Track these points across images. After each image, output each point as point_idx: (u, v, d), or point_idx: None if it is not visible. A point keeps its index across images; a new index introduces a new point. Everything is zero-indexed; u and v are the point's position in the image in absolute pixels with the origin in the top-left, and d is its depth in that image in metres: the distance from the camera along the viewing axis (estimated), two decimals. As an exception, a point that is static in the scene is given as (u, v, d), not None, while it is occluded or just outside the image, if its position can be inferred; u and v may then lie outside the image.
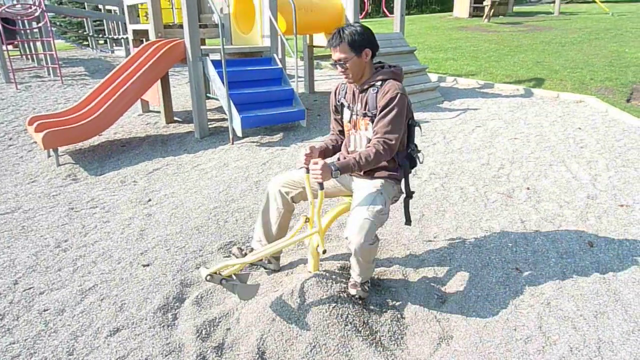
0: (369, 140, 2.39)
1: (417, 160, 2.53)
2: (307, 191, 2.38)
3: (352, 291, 2.45)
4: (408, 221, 2.63)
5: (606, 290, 2.55)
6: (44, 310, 2.46)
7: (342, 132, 2.64)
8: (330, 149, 2.60)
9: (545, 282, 2.65)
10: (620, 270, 2.74)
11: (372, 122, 2.35)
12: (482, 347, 2.17)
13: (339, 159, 2.49)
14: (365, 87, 2.37)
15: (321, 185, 2.22)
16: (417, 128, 2.48)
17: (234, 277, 2.40)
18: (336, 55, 2.29)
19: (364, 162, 2.24)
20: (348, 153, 2.52)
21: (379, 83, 2.33)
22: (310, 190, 2.38)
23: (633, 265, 2.79)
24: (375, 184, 2.39)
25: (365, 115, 2.37)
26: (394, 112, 2.25)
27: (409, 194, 2.58)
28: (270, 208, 2.62)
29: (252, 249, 2.77)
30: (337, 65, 2.31)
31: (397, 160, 2.44)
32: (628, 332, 2.24)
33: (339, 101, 2.54)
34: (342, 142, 2.63)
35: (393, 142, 2.26)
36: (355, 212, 2.26)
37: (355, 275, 2.45)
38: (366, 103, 2.36)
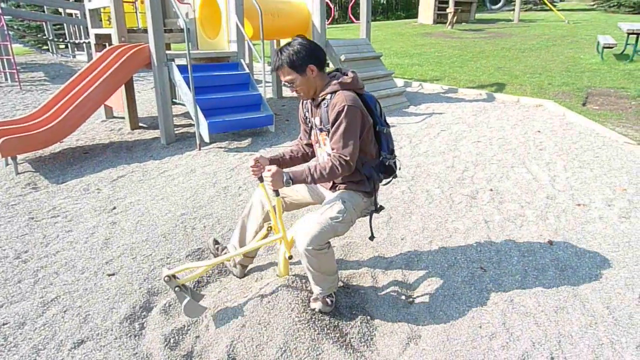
0: (323, 153, 2.38)
1: (394, 168, 2.44)
2: (264, 200, 2.40)
3: (313, 305, 2.36)
4: (372, 236, 2.55)
5: (565, 286, 2.66)
6: (3, 324, 2.37)
7: (309, 144, 2.58)
8: (287, 159, 2.51)
9: (509, 280, 2.73)
10: (578, 267, 2.85)
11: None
12: (449, 345, 2.22)
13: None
14: (318, 101, 2.32)
15: (276, 192, 2.22)
16: (389, 136, 2.41)
17: (189, 290, 2.37)
18: (282, 77, 2.27)
19: (318, 175, 2.19)
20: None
21: (328, 97, 2.26)
22: (268, 198, 2.39)
23: (590, 261, 2.91)
24: (341, 194, 2.35)
25: (321, 130, 2.33)
26: (343, 126, 2.17)
27: (377, 208, 2.49)
28: (251, 216, 2.62)
29: (225, 247, 2.79)
30: (288, 85, 2.29)
31: (363, 172, 2.34)
32: (586, 326, 2.33)
33: (304, 114, 2.50)
34: (306, 152, 2.58)
35: (348, 157, 2.18)
36: (308, 217, 2.26)
37: (313, 287, 2.38)
38: (321, 118, 2.31)
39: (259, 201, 2.59)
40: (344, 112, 2.16)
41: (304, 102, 2.49)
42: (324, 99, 2.29)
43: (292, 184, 2.21)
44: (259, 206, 2.58)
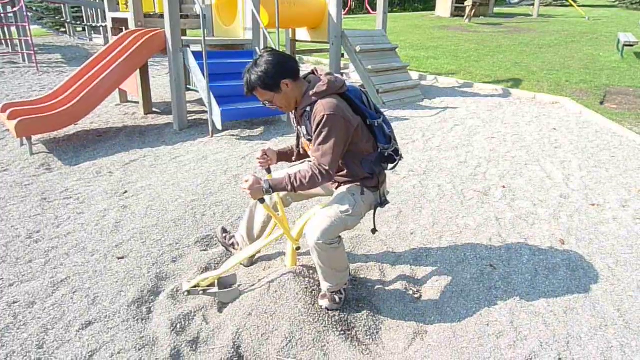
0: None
1: (394, 157, 2.37)
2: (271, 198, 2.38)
3: (320, 302, 2.34)
4: (374, 229, 2.51)
5: (576, 287, 2.62)
6: (13, 303, 2.40)
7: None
8: (295, 152, 2.48)
9: (518, 278, 2.70)
10: (589, 268, 2.81)
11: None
12: (456, 341, 2.21)
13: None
14: (300, 113, 2.25)
15: (261, 199, 2.20)
16: (384, 125, 2.32)
17: (215, 282, 2.43)
18: (259, 98, 2.19)
19: (299, 184, 2.15)
20: None
21: (308, 108, 2.19)
22: (269, 210, 2.33)
23: (602, 263, 2.87)
24: (349, 188, 2.32)
25: (309, 140, 2.28)
26: (322, 135, 2.12)
27: (381, 202, 2.43)
28: (258, 206, 2.62)
29: (232, 237, 2.79)
30: (267, 105, 2.22)
31: (364, 170, 2.30)
32: (595, 328, 2.30)
33: (293, 120, 2.41)
34: None
35: (327, 167, 2.13)
36: (319, 211, 2.25)
37: (322, 282, 2.34)
38: (307, 129, 2.26)
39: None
40: (323, 121, 2.10)
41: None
42: (305, 110, 2.21)
43: (272, 192, 2.18)
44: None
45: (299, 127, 2.34)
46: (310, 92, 2.17)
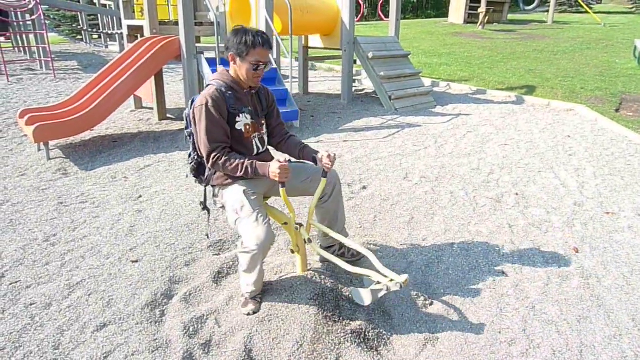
0: (266, 138, 2.58)
1: None
2: (286, 203, 2.42)
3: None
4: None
5: (590, 296, 2.59)
6: (31, 304, 2.45)
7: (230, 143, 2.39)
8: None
9: (531, 286, 2.68)
10: (603, 277, 2.78)
11: (265, 120, 2.56)
12: (467, 349, 2.20)
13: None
14: (256, 90, 2.50)
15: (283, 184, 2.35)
16: None
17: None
18: (266, 58, 2.34)
19: None
20: (256, 157, 2.43)
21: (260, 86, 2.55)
22: (287, 201, 2.41)
23: (616, 271, 2.83)
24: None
25: (263, 116, 2.56)
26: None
27: None
28: (264, 254, 2.30)
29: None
30: (261, 67, 2.33)
31: None
32: (610, 337, 2.27)
33: (234, 109, 2.34)
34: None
35: None
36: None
37: (344, 230, 2.78)
38: (260, 104, 2.53)
39: (269, 241, 2.25)
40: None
41: (226, 96, 2.32)
42: (259, 89, 2.53)
43: None
44: (270, 242, 2.27)
45: (248, 107, 2.42)
46: None
